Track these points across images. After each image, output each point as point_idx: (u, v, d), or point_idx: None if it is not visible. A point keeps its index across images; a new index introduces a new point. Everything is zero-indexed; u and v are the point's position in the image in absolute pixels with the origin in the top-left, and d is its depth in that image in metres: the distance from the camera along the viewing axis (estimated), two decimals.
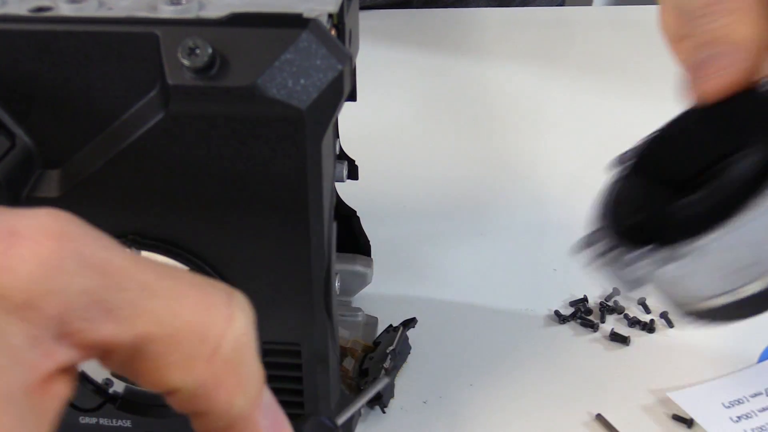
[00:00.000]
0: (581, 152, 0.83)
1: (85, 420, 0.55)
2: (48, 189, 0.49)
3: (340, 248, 0.66)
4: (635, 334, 0.65)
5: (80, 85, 0.48)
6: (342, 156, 0.63)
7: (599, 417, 0.59)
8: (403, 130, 0.88)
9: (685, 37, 0.51)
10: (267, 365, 0.52)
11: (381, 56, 0.98)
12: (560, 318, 0.66)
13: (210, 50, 0.45)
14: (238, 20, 0.46)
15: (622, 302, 0.67)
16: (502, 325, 0.65)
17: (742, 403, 0.60)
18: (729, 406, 0.60)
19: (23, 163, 0.49)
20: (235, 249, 0.50)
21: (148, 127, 0.47)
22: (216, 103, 0.46)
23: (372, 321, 0.65)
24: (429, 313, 0.66)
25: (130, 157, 0.48)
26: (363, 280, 0.65)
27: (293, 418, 0.54)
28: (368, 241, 0.66)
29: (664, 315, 0.66)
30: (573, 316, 0.66)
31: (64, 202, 0.49)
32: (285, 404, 0.54)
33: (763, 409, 0.60)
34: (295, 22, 0.46)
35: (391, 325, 0.63)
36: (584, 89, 0.94)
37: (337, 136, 0.61)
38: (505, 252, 0.72)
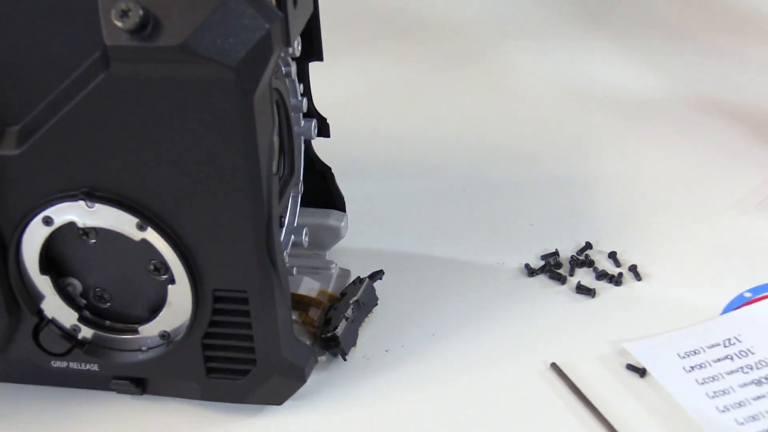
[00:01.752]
0: (560, 106, 0.84)
1: (56, 364, 0.58)
2: (7, 146, 0.52)
3: (315, 203, 0.68)
4: (602, 287, 0.66)
5: (31, 48, 0.51)
6: (312, 113, 0.65)
7: (554, 366, 0.61)
8: (382, 89, 0.89)
9: None
10: (219, 311, 0.56)
11: (360, 15, 0.98)
12: (530, 271, 0.67)
13: (141, 12, 0.48)
14: None
15: (593, 256, 0.68)
16: (472, 278, 0.67)
17: (698, 353, 0.61)
18: (684, 357, 0.61)
19: None
20: (179, 202, 0.52)
21: (92, 86, 0.50)
22: (151, 63, 0.49)
23: (344, 273, 0.67)
24: (402, 266, 0.68)
25: (78, 115, 0.51)
26: (336, 235, 0.68)
27: (243, 363, 0.57)
28: (342, 197, 0.68)
29: (632, 268, 0.67)
30: (542, 269, 0.67)
31: (21, 158, 0.52)
32: (237, 349, 0.57)
33: (718, 360, 0.61)
34: None
35: (358, 277, 0.65)
36: (555, 37, 0.94)
37: (304, 95, 0.64)
38: (483, 208, 0.74)
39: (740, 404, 0.57)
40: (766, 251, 0.68)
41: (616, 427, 0.56)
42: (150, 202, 0.53)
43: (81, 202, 0.53)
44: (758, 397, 0.58)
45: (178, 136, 0.51)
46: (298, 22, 0.56)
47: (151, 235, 0.53)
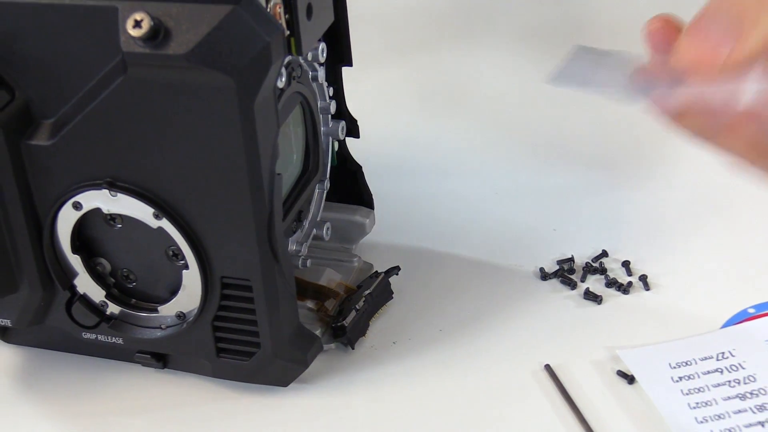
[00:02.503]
0: (600, 110, 0.85)
1: (86, 335, 0.64)
2: (40, 137, 0.58)
3: (346, 200, 0.72)
4: (610, 294, 0.68)
5: (65, 52, 0.56)
6: (341, 115, 0.69)
7: (547, 367, 0.63)
8: (423, 92, 0.92)
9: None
10: (227, 297, 0.61)
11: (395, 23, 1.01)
12: (543, 275, 0.70)
13: (152, 23, 0.53)
14: None
15: (608, 264, 0.71)
16: (487, 278, 0.70)
17: (689, 365, 0.63)
18: (675, 367, 0.63)
19: (20, 114, 0.58)
20: (190, 195, 0.57)
21: (113, 87, 0.55)
22: (163, 69, 0.54)
23: (367, 267, 0.71)
24: (423, 264, 0.72)
25: (101, 112, 0.56)
26: (362, 230, 0.72)
27: (249, 345, 0.62)
28: (371, 195, 0.72)
29: (642, 278, 0.69)
30: (555, 274, 0.70)
31: (54, 149, 0.58)
32: (243, 332, 0.62)
33: (707, 372, 0.62)
34: None
35: (376, 271, 0.69)
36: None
37: (333, 98, 0.68)
38: (511, 211, 0.76)
39: (719, 416, 0.59)
40: None
41: (593, 428, 0.59)
42: (164, 193, 0.58)
43: (105, 191, 0.58)
44: (739, 411, 0.60)
45: (187, 136, 0.55)
46: (313, 33, 0.60)
47: (166, 224, 0.58)
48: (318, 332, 0.65)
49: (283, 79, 0.59)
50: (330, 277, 0.69)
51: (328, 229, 0.68)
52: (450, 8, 0.94)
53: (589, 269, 0.70)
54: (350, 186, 0.72)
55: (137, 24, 0.53)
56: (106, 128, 0.57)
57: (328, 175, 0.69)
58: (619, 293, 0.69)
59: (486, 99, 0.90)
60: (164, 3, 0.53)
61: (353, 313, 0.65)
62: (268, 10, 0.56)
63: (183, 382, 0.64)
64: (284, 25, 0.57)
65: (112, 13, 0.54)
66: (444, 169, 0.81)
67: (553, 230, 0.74)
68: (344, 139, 0.71)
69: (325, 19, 0.62)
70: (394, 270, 0.69)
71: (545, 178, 0.79)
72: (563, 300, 0.68)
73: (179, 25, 0.53)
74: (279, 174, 0.57)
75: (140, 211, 0.59)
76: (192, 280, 0.60)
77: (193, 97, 0.54)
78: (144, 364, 0.65)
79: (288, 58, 0.60)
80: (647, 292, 0.69)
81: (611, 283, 0.69)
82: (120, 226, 0.61)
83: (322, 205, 0.69)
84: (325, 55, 0.65)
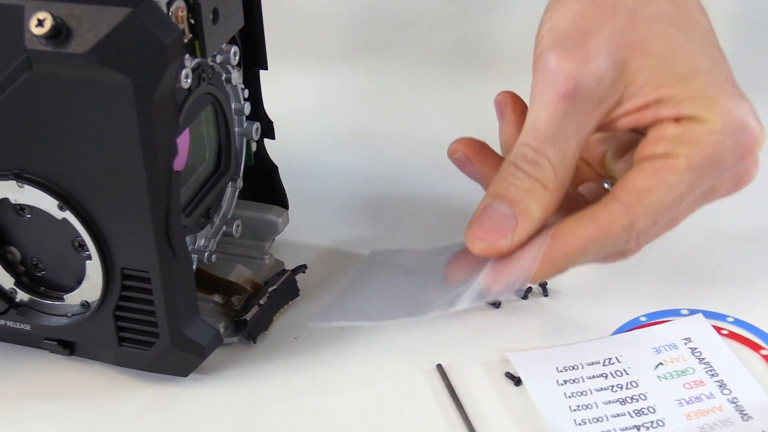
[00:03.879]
0: None
1: None
2: None
3: (260, 199, 0.75)
4: (509, 299, 0.71)
5: None
6: (256, 116, 0.71)
7: (438, 366, 0.66)
8: (332, 95, 0.94)
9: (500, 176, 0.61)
10: (127, 288, 0.63)
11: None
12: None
13: (54, 22, 0.55)
14: None
15: None
16: None
17: (576, 369, 0.65)
18: (562, 371, 0.65)
19: None
20: (91, 189, 0.60)
21: (19, 82, 0.58)
22: (65, 66, 0.56)
23: (278, 265, 0.73)
24: (333, 263, 0.74)
25: (8, 107, 0.59)
26: (275, 228, 0.74)
27: (149, 335, 0.64)
28: (285, 194, 0.75)
29: (542, 285, 0.71)
30: None
31: None
32: (143, 322, 0.64)
33: (592, 377, 0.65)
34: (131, 1, 0.55)
35: (283, 269, 0.71)
36: None
37: (248, 100, 0.70)
38: (421, 216, 0.79)
39: (598, 419, 0.62)
40: (670, 276, 0.72)
41: (476, 428, 0.61)
42: (67, 186, 0.60)
43: (12, 182, 0.61)
44: (617, 415, 0.62)
45: (88, 132, 0.58)
46: (219, 37, 0.62)
47: (70, 216, 0.61)
48: (222, 326, 0.67)
49: (189, 80, 0.61)
50: (240, 273, 0.71)
51: (238, 226, 0.71)
52: (371, 15, 0.97)
53: None
54: (266, 186, 0.74)
55: (40, 23, 0.55)
56: (13, 122, 0.59)
57: (241, 174, 0.71)
58: (517, 298, 0.71)
59: (403, 104, 0.93)
60: (68, 4, 0.56)
61: (256, 308, 0.68)
62: (170, 13, 0.58)
63: (89, 370, 0.67)
64: (187, 28, 0.60)
65: (18, 12, 0.56)
66: (365, 172, 0.84)
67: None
68: (262, 139, 0.73)
69: (233, 23, 0.64)
70: (301, 268, 0.72)
71: (453, 185, 0.81)
72: None
73: (81, 25, 0.55)
74: (178, 171, 0.60)
75: (45, 202, 0.61)
76: (95, 270, 0.62)
77: (93, 94, 0.57)
78: (51, 351, 0.67)
79: (197, 61, 0.62)
80: (545, 298, 0.71)
81: None
82: (29, 216, 0.63)
83: (234, 202, 0.71)
84: (237, 58, 0.67)
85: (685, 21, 0.61)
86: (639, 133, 0.62)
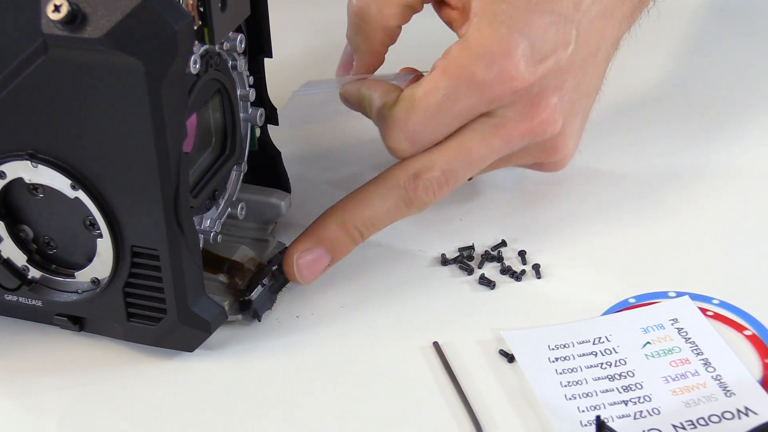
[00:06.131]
0: None
1: (9, 297, 0.69)
2: None
3: (264, 183, 0.77)
4: (504, 281, 0.73)
5: None
6: (261, 103, 0.74)
7: (435, 344, 0.68)
8: None
9: None
10: (136, 265, 0.65)
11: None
12: (443, 260, 0.75)
13: (69, 8, 0.57)
14: None
15: (506, 253, 0.76)
16: (390, 260, 0.75)
17: (567, 347, 0.68)
18: (553, 349, 0.68)
19: None
20: (103, 169, 0.62)
21: (35, 66, 0.60)
22: (80, 51, 0.59)
23: (280, 247, 0.76)
24: None
25: (24, 89, 0.61)
26: (278, 211, 0.76)
27: (157, 311, 0.67)
28: (288, 179, 0.77)
29: (535, 267, 0.74)
30: (455, 260, 0.75)
31: None
32: (151, 298, 0.67)
33: (583, 354, 0.67)
34: None
35: (285, 249, 0.74)
36: None
37: (253, 86, 0.72)
38: None
39: (587, 395, 0.64)
40: (658, 260, 0.75)
41: (471, 403, 0.64)
42: (80, 166, 0.62)
43: (27, 162, 0.63)
44: (606, 391, 0.65)
45: (101, 114, 0.60)
46: (226, 24, 0.65)
47: (82, 195, 0.63)
48: (226, 304, 0.70)
49: (197, 66, 0.64)
50: (244, 254, 0.73)
51: (242, 208, 0.73)
52: None
53: (487, 257, 0.75)
54: (269, 170, 0.77)
55: (56, 8, 0.58)
56: (29, 104, 0.62)
57: (245, 158, 0.74)
58: (512, 280, 0.73)
59: None
60: None
61: (259, 288, 0.70)
62: (181, 1, 0.60)
63: (98, 345, 0.69)
64: (197, 15, 0.62)
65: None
66: (365, 158, 0.86)
67: (459, 219, 0.79)
68: (266, 125, 0.76)
69: (240, 11, 0.67)
70: None
71: None
72: (459, 284, 0.73)
73: (96, 11, 0.58)
74: (186, 152, 0.62)
75: (59, 182, 0.63)
76: (105, 248, 0.65)
77: (107, 77, 0.59)
78: (61, 327, 0.69)
79: (205, 47, 0.64)
80: (538, 280, 0.73)
81: (505, 271, 0.74)
82: (42, 195, 0.65)
83: (239, 185, 0.74)
84: (243, 45, 0.69)
85: None
86: None
